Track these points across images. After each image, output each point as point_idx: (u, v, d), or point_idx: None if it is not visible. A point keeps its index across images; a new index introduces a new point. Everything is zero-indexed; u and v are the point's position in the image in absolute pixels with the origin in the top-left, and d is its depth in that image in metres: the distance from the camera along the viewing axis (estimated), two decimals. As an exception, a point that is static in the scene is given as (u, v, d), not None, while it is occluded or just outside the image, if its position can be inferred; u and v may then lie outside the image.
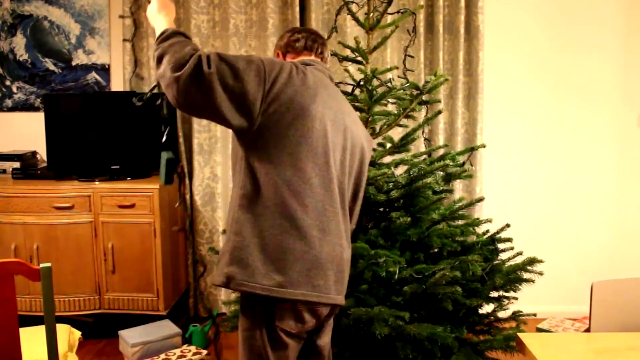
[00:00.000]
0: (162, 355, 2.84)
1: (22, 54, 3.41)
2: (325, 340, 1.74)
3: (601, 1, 3.30)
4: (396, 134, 3.01)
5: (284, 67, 1.56)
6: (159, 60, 1.51)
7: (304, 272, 1.53)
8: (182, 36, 1.58)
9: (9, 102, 3.45)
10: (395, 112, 2.32)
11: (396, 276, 2.01)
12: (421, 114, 3.14)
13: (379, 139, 2.65)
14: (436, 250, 2.25)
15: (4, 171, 3.24)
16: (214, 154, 3.32)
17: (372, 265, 2.01)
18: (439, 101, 2.79)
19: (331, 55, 2.41)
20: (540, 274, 2.17)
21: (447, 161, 2.25)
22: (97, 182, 3.01)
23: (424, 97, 2.28)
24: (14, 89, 3.44)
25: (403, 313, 1.91)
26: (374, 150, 2.60)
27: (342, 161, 1.64)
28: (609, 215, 3.48)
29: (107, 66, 3.41)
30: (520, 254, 2.29)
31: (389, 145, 2.52)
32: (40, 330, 2.12)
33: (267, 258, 1.52)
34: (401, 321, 1.91)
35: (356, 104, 2.28)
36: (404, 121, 2.40)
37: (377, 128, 2.36)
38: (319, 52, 1.79)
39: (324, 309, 1.60)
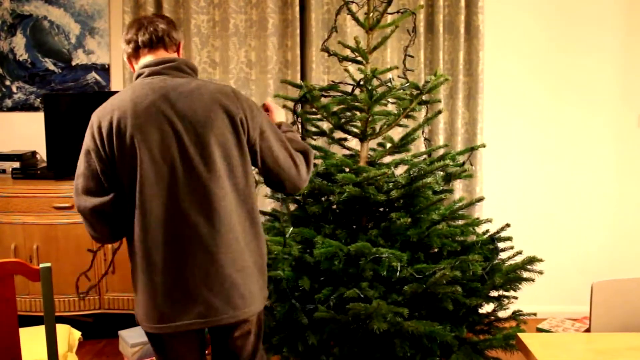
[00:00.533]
0: (162, 355, 2.84)
1: (22, 54, 3.41)
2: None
3: (601, 1, 3.30)
4: (396, 134, 3.01)
5: None
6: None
7: None
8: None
9: (8, 102, 3.45)
10: (395, 112, 2.32)
11: (397, 273, 2.01)
12: (421, 114, 3.13)
13: (379, 139, 2.65)
14: (436, 250, 2.25)
15: (4, 171, 3.24)
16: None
17: (373, 263, 2.01)
18: (439, 101, 2.79)
19: (331, 55, 2.42)
20: (540, 273, 2.17)
21: (447, 161, 2.25)
22: (97, 182, 3.00)
23: (424, 97, 2.28)
24: (14, 89, 3.44)
25: (402, 309, 1.91)
26: (374, 150, 2.60)
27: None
28: (609, 215, 3.48)
29: (107, 66, 3.41)
30: (520, 253, 2.30)
31: (389, 145, 2.52)
32: (40, 330, 2.12)
33: None
34: (400, 317, 1.91)
35: (356, 104, 2.28)
36: (404, 121, 2.40)
37: (377, 128, 2.36)
38: (157, 43, 1.65)
39: None
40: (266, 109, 1.99)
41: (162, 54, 1.65)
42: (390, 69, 2.38)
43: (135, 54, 1.67)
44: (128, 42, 1.66)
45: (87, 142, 1.63)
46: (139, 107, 1.55)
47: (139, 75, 1.64)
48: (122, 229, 1.67)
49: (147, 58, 1.65)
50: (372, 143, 2.64)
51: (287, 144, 1.71)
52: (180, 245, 1.56)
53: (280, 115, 1.96)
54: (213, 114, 1.57)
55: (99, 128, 1.59)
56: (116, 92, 3.30)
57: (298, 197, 2.35)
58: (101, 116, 1.60)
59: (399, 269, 2.01)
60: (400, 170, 2.42)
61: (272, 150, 1.67)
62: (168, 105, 1.56)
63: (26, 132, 3.45)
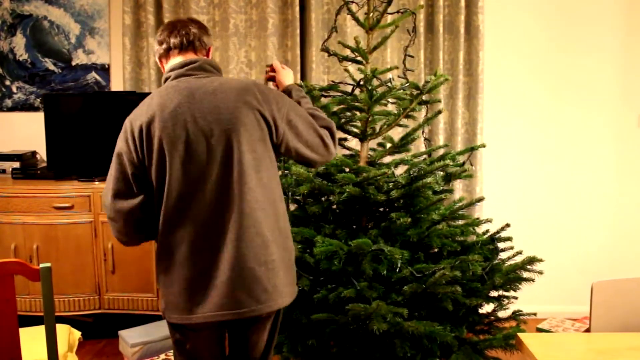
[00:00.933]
0: (162, 355, 2.84)
1: (22, 54, 3.41)
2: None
3: (601, 1, 3.30)
4: (396, 134, 3.01)
5: None
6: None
7: None
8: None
9: (8, 102, 3.45)
10: (395, 112, 2.32)
11: (397, 271, 2.01)
12: (421, 114, 3.13)
13: (379, 139, 2.65)
14: (436, 250, 2.25)
15: (4, 171, 3.24)
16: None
17: (373, 262, 2.01)
18: (439, 101, 2.79)
19: (331, 55, 2.42)
20: (540, 273, 2.17)
21: (447, 161, 2.25)
22: (97, 182, 3.01)
23: (424, 97, 2.28)
24: (14, 89, 3.44)
25: (401, 309, 1.91)
26: (374, 150, 2.60)
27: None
28: (609, 215, 3.48)
29: (107, 66, 3.41)
30: (520, 253, 2.30)
31: (389, 145, 2.52)
32: (40, 330, 2.11)
33: None
34: (399, 318, 1.91)
35: (356, 104, 2.28)
36: (404, 121, 2.40)
37: (377, 128, 2.36)
38: (187, 46, 1.71)
39: None
40: (272, 69, 1.99)
41: (190, 57, 1.70)
42: (390, 69, 2.38)
43: (166, 55, 1.73)
44: (160, 43, 1.73)
45: (119, 145, 1.69)
46: (166, 110, 1.61)
47: (166, 79, 1.70)
48: (149, 231, 1.72)
49: (176, 59, 1.71)
50: (372, 143, 2.64)
51: (314, 123, 1.75)
52: (207, 241, 1.60)
53: (288, 77, 1.97)
54: (237, 110, 1.60)
55: (132, 132, 1.64)
56: (116, 92, 3.31)
57: (298, 197, 2.35)
58: (133, 120, 1.66)
59: (399, 265, 2.01)
60: (400, 170, 2.42)
61: (302, 135, 1.72)
62: (193, 106, 1.61)
63: (26, 132, 3.45)
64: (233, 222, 1.59)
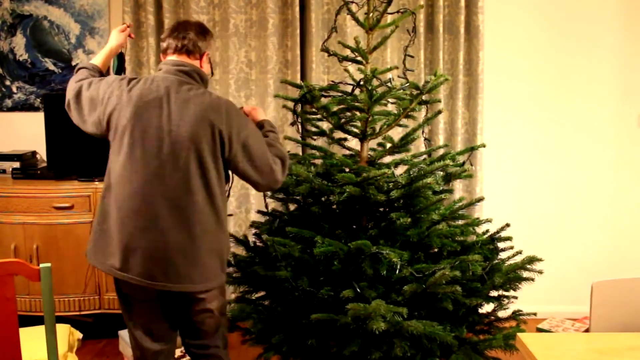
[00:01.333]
0: (162, 355, 2.83)
1: (22, 54, 3.41)
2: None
3: (601, 1, 3.30)
4: (396, 134, 3.01)
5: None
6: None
7: None
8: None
9: (8, 102, 3.45)
10: (395, 112, 2.32)
11: (397, 271, 2.01)
12: (421, 114, 3.13)
13: (379, 139, 2.65)
14: (436, 250, 2.25)
15: (4, 171, 3.24)
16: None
17: (373, 262, 2.01)
18: (439, 101, 2.79)
19: (331, 55, 2.42)
20: (540, 273, 2.17)
21: (447, 161, 2.25)
22: (97, 182, 3.01)
23: (424, 97, 2.28)
24: (14, 89, 3.44)
25: (401, 309, 1.91)
26: (374, 150, 2.60)
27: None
28: (609, 215, 3.48)
29: (107, 66, 3.41)
30: (520, 253, 2.30)
31: (389, 145, 2.52)
32: (40, 330, 2.11)
33: None
34: (399, 317, 1.91)
35: (356, 104, 2.28)
36: (404, 121, 2.40)
37: (377, 128, 2.36)
38: (181, 49, 1.93)
39: None
40: (246, 113, 2.15)
41: (183, 59, 1.92)
42: (390, 69, 2.38)
43: (164, 53, 1.96)
44: (162, 41, 1.97)
45: (102, 87, 1.97)
46: (143, 99, 1.83)
47: (159, 70, 1.92)
48: None
49: (171, 57, 1.93)
50: (372, 143, 2.64)
51: (267, 152, 1.95)
52: (141, 221, 1.81)
53: (260, 113, 2.18)
54: (197, 124, 1.81)
55: (111, 93, 1.94)
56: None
57: (298, 197, 2.35)
58: (122, 84, 1.93)
59: (398, 266, 2.01)
60: (400, 170, 2.42)
61: (253, 160, 1.91)
62: (165, 103, 1.83)
63: (26, 132, 3.45)
64: (166, 210, 1.81)
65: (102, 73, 2.16)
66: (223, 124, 1.83)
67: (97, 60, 2.19)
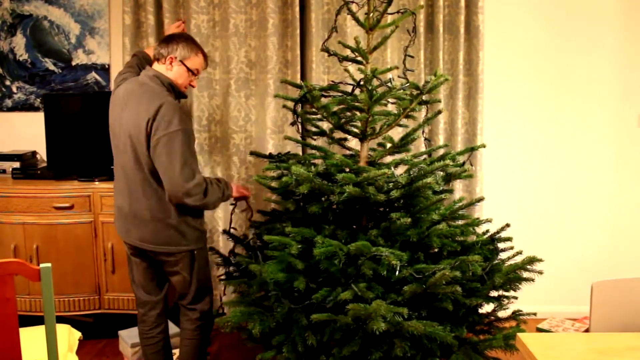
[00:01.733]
0: (162, 355, 2.83)
1: (22, 54, 3.41)
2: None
3: (601, 1, 3.31)
4: (396, 134, 3.01)
5: None
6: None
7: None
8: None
9: (8, 102, 3.45)
10: (395, 112, 2.32)
11: (397, 272, 2.01)
12: (421, 114, 3.14)
13: (379, 139, 2.65)
14: (436, 250, 2.25)
15: (4, 171, 3.25)
16: (214, 154, 3.32)
17: (373, 262, 2.01)
18: (439, 101, 2.79)
19: (331, 55, 2.42)
20: (540, 273, 2.17)
21: (447, 161, 2.25)
22: (97, 182, 3.01)
23: (424, 97, 2.28)
24: (14, 89, 3.44)
25: (401, 309, 1.90)
26: (374, 150, 2.60)
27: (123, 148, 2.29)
28: (609, 215, 3.48)
29: (107, 66, 3.42)
30: (520, 253, 2.30)
31: (389, 145, 2.52)
32: (40, 330, 2.12)
33: None
34: (399, 317, 1.91)
35: (356, 104, 2.28)
36: (404, 121, 2.40)
37: (377, 128, 2.36)
38: (153, 58, 2.34)
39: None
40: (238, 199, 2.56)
41: (154, 66, 2.32)
42: (390, 69, 2.38)
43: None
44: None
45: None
46: (119, 94, 2.31)
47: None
48: None
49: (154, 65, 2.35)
50: (372, 143, 2.64)
51: (175, 163, 2.16)
52: (124, 196, 2.33)
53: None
54: (139, 116, 2.18)
55: None
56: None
57: (298, 197, 2.35)
58: None
59: (398, 268, 2.01)
60: (400, 170, 2.42)
61: (160, 161, 2.17)
62: (126, 100, 2.25)
63: (26, 132, 3.45)
64: (130, 188, 2.29)
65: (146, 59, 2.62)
66: (151, 120, 2.17)
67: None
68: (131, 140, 2.20)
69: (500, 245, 2.32)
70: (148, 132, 2.15)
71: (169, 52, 2.26)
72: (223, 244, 3.32)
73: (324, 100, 2.37)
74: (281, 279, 2.06)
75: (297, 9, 3.18)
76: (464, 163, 2.41)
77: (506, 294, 2.28)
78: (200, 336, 2.49)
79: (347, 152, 2.61)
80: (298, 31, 3.20)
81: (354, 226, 2.30)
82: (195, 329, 2.47)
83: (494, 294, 2.26)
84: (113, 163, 2.38)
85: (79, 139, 3.11)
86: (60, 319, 3.07)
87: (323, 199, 2.29)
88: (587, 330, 1.84)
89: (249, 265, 2.22)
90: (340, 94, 2.36)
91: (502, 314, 2.34)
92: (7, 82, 3.44)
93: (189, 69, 2.29)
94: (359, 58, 2.35)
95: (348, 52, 2.52)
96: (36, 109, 3.45)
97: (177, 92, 2.30)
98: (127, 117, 2.21)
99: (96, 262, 2.99)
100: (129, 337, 2.90)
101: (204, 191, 2.23)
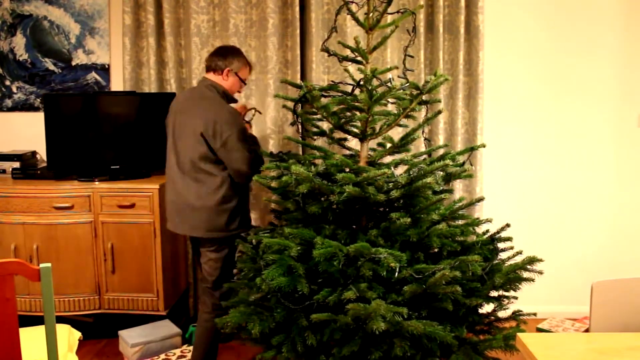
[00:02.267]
0: (162, 355, 2.84)
1: (22, 54, 3.41)
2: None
3: (601, 1, 3.31)
4: (396, 134, 3.01)
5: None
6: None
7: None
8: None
9: (8, 102, 3.45)
10: (395, 112, 2.32)
11: (396, 274, 2.01)
12: (421, 114, 3.14)
13: (379, 139, 2.65)
14: (436, 250, 2.25)
15: (4, 171, 3.25)
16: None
17: (372, 263, 2.01)
18: (439, 101, 2.78)
19: (331, 55, 2.42)
20: (540, 273, 2.17)
21: (447, 161, 2.25)
22: (97, 182, 3.01)
23: (424, 97, 2.28)
24: (14, 89, 3.44)
25: (401, 309, 1.90)
26: (374, 150, 2.60)
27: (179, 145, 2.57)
28: (609, 215, 3.48)
29: (107, 66, 3.42)
30: (520, 253, 2.30)
31: (389, 145, 2.52)
32: (40, 330, 2.12)
33: None
34: (399, 317, 1.91)
35: (356, 104, 2.28)
36: (404, 121, 2.40)
37: (377, 128, 2.36)
38: (209, 69, 2.62)
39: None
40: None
41: (210, 75, 2.62)
42: (390, 69, 2.38)
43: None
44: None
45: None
46: (180, 99, 2.64)
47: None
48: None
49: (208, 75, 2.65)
50: (372, 143, 2.64)
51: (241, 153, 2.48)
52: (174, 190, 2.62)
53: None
54: (200, 121, 2.47)
55: None
56: (116, 92, 3.31)
57: (297, 198, 2.35)
58: None
59: (397, 269, 2.00)
60: (400, 170, 2.42)
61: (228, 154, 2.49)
62: (189, 105, 2.57)
63: (26, 132, 3.45)
64: (185, 183, 2.55)
65: None
66: (209, 127, 2.47)
67: None
68: (191, 140, 2.49)
69: (500, 245, 2.32)
70: (210, 134, 2.45)
71: (226, 65, 2.57)
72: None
73: (324, 100, 2.36)
74: (282, 283, 2.06)
75: (297, 9, 3.18)
76: (463, 163, 2.41)
77: (506, 294, 2.28)
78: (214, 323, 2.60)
79: (347, 152, 2.61)
80: (298, 31, 3.21)
81: (354, 226, 2.30)
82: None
83: (494, 294, 2.26)
84: (165, 164, 2.67)
85: (79, 139, 3.11)
86: (60, 319, 3.07)
87: (323, 198, 2.29)
88: (587, 330, 1.84)
89: (252, 273, 2.21)
90: (340, 94, 2.36)
91: (502, 314, 2.34)
92: (7, 82, 3.44)
93: (240, 79, 2.63)
94: (359, 58, 2.35)
95: (348, 52, 2.52)
96: (36, 109, 3.45)
97: (229, 98, 2.61)
98: (188, 121, 2.51)
99: (96, 262, 2.99)
100: (129, 337, 2.90)
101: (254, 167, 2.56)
